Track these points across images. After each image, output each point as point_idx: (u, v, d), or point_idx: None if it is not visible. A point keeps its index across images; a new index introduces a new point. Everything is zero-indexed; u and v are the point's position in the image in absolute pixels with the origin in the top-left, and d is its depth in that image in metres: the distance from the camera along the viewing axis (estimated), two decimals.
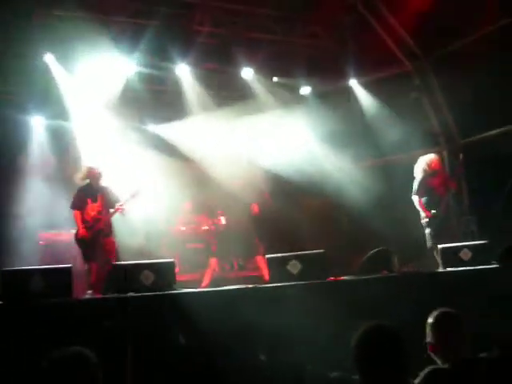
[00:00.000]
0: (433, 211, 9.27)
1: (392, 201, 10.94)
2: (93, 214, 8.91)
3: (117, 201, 9.15)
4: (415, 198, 9.41)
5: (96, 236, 8.84)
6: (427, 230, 9.31)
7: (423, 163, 9.41)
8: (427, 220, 9.33)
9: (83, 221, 8.85)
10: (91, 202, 8.95)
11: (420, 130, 11.60)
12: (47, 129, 11.35)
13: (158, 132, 12.28)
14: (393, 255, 7.77)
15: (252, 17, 10.94)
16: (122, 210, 9.05)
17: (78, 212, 8.91)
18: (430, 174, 9.38)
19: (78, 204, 8.95)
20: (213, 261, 9.90)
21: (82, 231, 8.81)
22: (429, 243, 9.26)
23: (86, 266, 8.77)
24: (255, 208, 10.05)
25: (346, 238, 12.73)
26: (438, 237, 9.13)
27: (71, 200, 9.04)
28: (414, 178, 9.50)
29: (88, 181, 9.09)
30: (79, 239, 8.86)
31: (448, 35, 10.58)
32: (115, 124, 11.34)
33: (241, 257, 10.92)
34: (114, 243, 9.05)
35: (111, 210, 9.05)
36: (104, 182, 9.18)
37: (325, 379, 5.22)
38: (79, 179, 9.16)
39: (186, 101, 11.79)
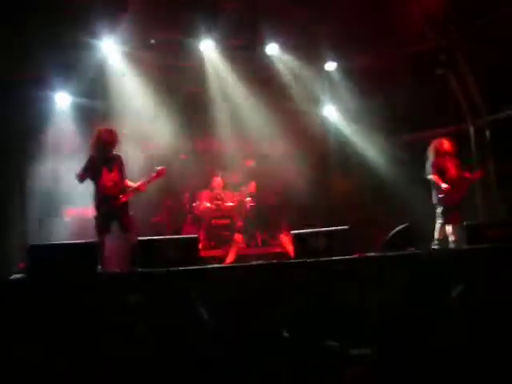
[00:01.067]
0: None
1: (417, 177, 10.84)
2: (109, 184, 8.26)
3: (125, 175, 8.52)
4: (429, 177, 9.46)
5: (113, 208, 8.26)
6: (438, 209, 9.33)
7: (435, 144, 9.52)
8: (438, 199, 9.37)
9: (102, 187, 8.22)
10: (107, 171, 8.30)
11: (446, 107, 11.49)
12: (72, 106, 11.39)
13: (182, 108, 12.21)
14: (419, 232, 7.75)
15: None
16: (145, 189, 8.48)
17: (83, 175, 8.21)
18: (441, 155, 9.43)
19: (87, 171, 8.26)
20: (238, 237, 9.89)
21: (109, 185, 8.20)
22: (438, 222, 9.31)
23: (97, 239, 8.07)
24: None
25: (370, 214, 12.71)
26: (447, 216, 9.22)
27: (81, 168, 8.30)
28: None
29: (100, 147, 8.38)
30: (102, 203, 8.22)
31: (475, 9, 10.41)
32: (142, 98, 11.44)
33: (266, 233, 10.87)
34: (132, 218, 8.52)
35: (129, 188, 8.42)
36: (117, 151, 8.55)
37: (344, 355, 5.23)
38: (91, 145, 8.49)
39: (209, 77, 11.84)
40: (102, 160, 8.36)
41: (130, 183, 8.52)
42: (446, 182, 9.22)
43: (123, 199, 8.35)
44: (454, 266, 6.59)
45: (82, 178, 8.26)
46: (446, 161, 9.42)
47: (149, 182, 8.48)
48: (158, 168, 8.52)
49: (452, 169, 9.40)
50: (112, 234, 8.39)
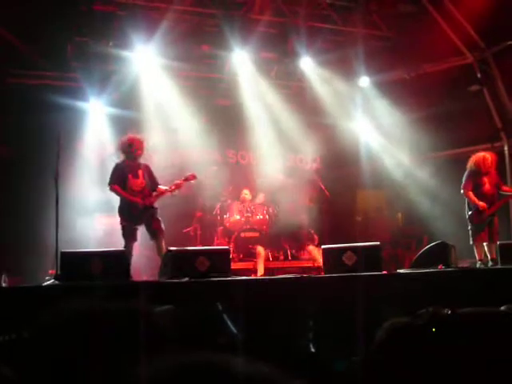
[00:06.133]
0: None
1: (450, 195, 10.75)
2: (136, 190, 8.18)
3: (157, 182, 8.47)
4: (464, 192, 9.26)
5: (140, 213, 8.14)
6: (470, 226, 9.19)
7: (472, 159, 9.34)
8: (469, 215, 9.21)
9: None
10: (132, 177, 8.21)
11: (480, 124, 11.38)
12: (106, 115, 11.53)
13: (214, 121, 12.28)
14: (451, 249, 7.66)
15: (312, 6, 10.90)
16: (173, 192, 8.31)
17: (116, 186, 8.17)
18: (475, 171, 9.24)
19: (117, 180, 8.20)
20: (259, 249, 9.79)
21: (135, 198, 8.10)
22: (471, 239, 9.18)
23: (124, 246, 8.02)
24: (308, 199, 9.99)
25: (399, 232, 12.64)
26: (478, 234, 9.07)
27: (108, 177, 8.29)
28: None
29: (126, 155, 8.32)
30: (129, 208, 8.14)
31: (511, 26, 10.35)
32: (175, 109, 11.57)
33: (291, 247, 10.78)
34: (161, 223, 8.25)
35: (156, 192, 8.35)
36: (143, 159, 8.53)
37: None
38: (117, 151, 8.54)
39: (242, 90, 11.93)
40: (127, 166, 8.31)
41: (162, 188, 8.44)
42: (479, 198, 9.08)
43: (149, 201, 8.23)
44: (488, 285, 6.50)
45: (114, 187, 8.22)
46: (482, 177, 9.25)
47: (176, 185, 8.34)
48: (188, 174, 8.53)
49: (488, 184, 9.22)
50: (140, 241, 8.40)
